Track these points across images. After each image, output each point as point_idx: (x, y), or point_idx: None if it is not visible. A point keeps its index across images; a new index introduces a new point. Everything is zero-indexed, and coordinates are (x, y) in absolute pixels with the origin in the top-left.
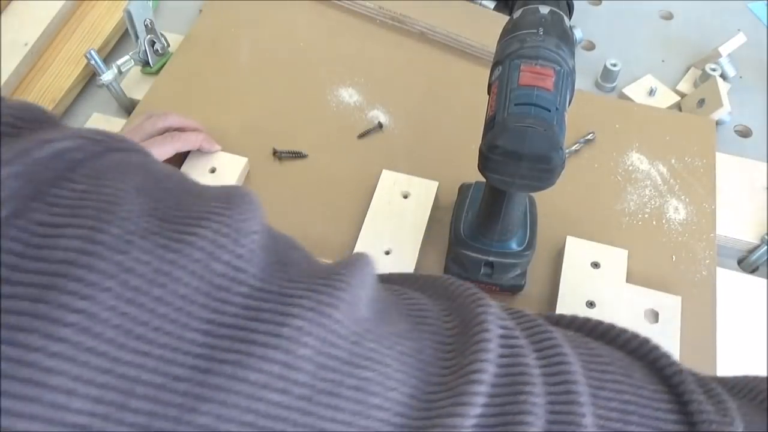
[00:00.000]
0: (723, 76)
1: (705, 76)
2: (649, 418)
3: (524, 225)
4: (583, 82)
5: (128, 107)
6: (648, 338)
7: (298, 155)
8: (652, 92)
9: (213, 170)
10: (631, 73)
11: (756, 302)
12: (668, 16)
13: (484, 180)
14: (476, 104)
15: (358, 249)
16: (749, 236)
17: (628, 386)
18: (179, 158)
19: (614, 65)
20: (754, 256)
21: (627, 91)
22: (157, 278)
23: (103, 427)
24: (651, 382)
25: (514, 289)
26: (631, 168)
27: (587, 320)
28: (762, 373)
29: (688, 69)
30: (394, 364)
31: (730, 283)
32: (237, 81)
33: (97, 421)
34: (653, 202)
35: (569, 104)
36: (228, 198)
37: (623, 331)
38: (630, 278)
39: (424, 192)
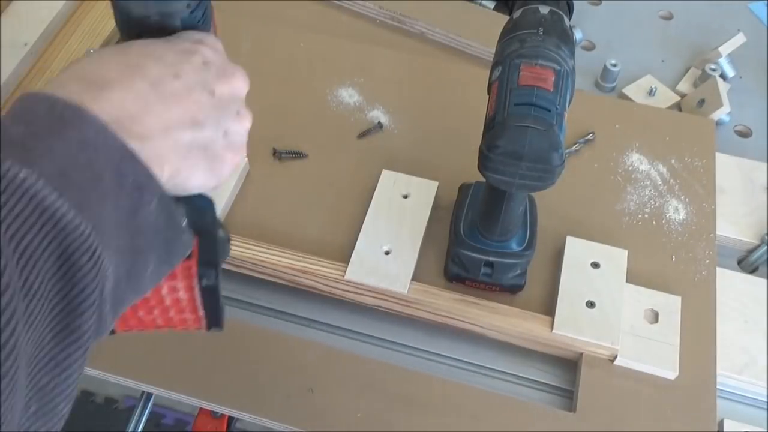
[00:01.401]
0: (723, 76)
1: (705, 76)
2: None
3: (524, 225)
4: (583, 82)
5: None
6: None
7: (298, 155)
8: (651, 92)
9: None
10: (631, 73)
11: (756, 302)
12: (668, 16)
13: (484, 180)
14: (476, 104)
15: (358, 249)
16: (749, 236)
17: None
18: None
19: (614, 65)
20: (754, 256)
21: (627, 91)
22: None
23: None
24: None
25: (514, 289)
26: (631, 168)
27: None
28: (763, 377)
29: (687, 69)
30: None
31: (730, 283)
32: None
33: None
34: (653, 202)
35: (569, 104)
36: None
37: None
38: (630, 278)
39: (424, 192)
